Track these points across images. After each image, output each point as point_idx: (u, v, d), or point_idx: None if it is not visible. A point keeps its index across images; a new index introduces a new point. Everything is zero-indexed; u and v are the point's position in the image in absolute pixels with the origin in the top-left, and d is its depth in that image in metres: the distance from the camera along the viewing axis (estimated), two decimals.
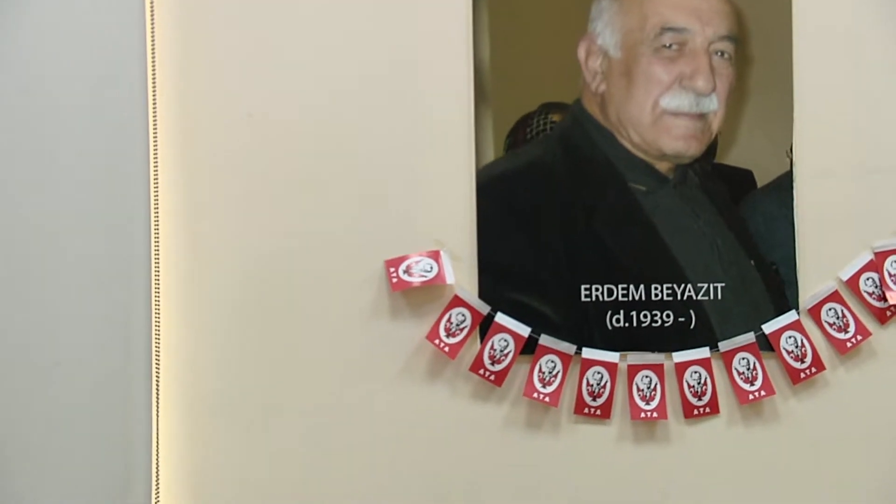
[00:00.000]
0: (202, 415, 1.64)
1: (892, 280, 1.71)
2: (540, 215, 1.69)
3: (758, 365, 1.70)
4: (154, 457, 1.60)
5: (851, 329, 1.71)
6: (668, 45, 1.67)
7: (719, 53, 1.69)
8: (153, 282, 1.60)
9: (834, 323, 1.71)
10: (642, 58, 1.67)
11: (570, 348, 1.68)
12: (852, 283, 1.71)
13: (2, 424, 1.56)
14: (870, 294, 1.71)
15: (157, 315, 1.61)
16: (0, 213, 1.56)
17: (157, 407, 1.61)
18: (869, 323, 1.70)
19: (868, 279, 1.71)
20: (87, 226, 1.57)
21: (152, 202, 1.60)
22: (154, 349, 1.60)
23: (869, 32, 1.72)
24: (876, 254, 1.71)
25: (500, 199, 1.69)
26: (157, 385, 1.61)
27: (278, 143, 1.66)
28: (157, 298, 1.61)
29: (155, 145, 1.61)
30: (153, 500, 1.59)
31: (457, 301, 1.67)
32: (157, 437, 1.61)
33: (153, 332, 1.60)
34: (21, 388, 1.56)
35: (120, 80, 1.59)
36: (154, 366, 1.60)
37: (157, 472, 1.60)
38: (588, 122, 1.70)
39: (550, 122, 1.71)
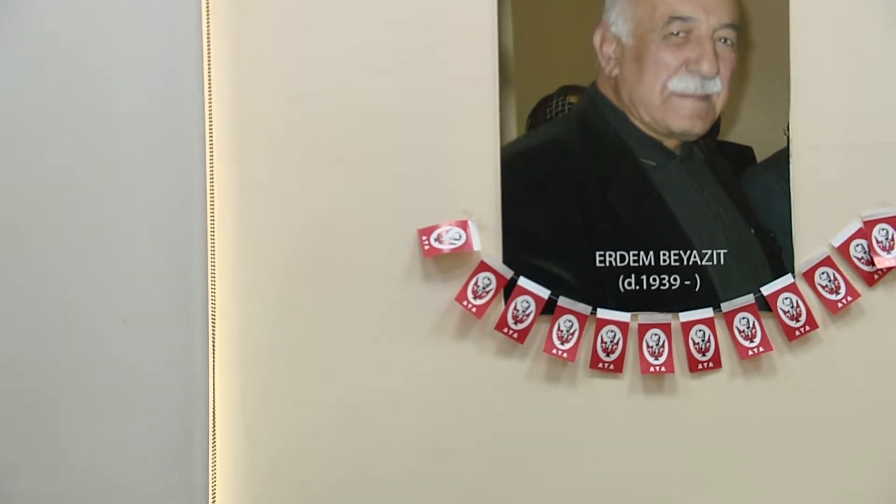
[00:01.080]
0: (254, 368, 1.80)
1: (879, 246, 1.85)
2: (558, 188, 1.84)
3: (756, 324, 1.85)
4: (211, 407, 1.76)
5: (842, 291, 1.85)
6: (675, 32, 1.82)
7: (722, 40, 1.83)
8: (209, 248, 1.76)
9: (826, 285, 1.85)
10: (652, 44, 1.82)
11: (585, 309, 1.83)
12: (843, 249, 1.85)
13: (74, 377, 1.73)
14: (859, 259, 1.86)
15: (212, 278, 1.77)
16: (75, 181, 1.73)
17: (214, 361, 1.77)
18: (858, 285, 1.84)
19: (857, 245, 1.86)
20: (152, 197, 1.74)
21: (208, 175, 1.76)
22: (210, 309, 1.76)
23: (860, 18, 1.85)
24: (865, 222, 1.85)
25: (522, 173, 1.84)
26: (214, 341, 1.77)
27: (322, 123, 1.81)
28: (212, 263, 1.77)
29: (210, 124, 1.77)
30: (210, 447, 1.76)
31: (483, 266, 1.83)
32: (214, 389, 1.77)
33: (210, 293, 1.76)
34: (93, 343, 1.73)
35: (177, 64, 1.75)
36: (210, 324, 1.76)
37: (213, 421, 1.77)
38: (602, 103, 1.85)
39: (568, 103, 1.86)
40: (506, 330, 1.82)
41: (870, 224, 1.85)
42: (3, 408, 1.73)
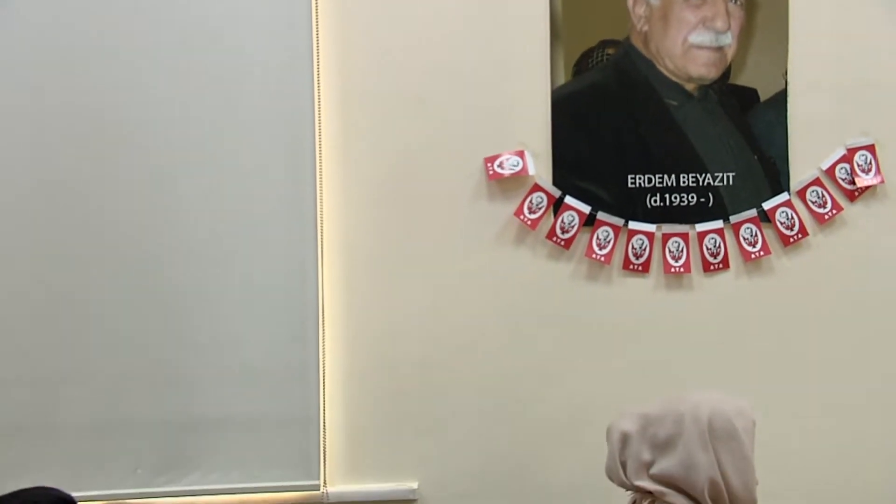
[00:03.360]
0: (354, 266, 2.24)
1: (860, 169, 2.25)
2: (598, 123, 2.25)
3: (758, 232, 2.26)
4: (320, 297, 2.21)
5: (829, 205, 2.26)
6: None
7: (733, 0, 2.23)
8: (318, 174, 2.20)
9: (816, 201, 2.26)
10: (675, 5, 2.22)
11: (619, 221, 2.26)
12: (830, 171, 2.26)
13: (214, 275, 2.18)
14: (843, 179, 2.26)
15: (321, 197, 2.21)
16: (216, 138, 2.19)
17: (322, 259, 2.22)
18: (842, 200, 2.25)
19: (842, 168, 2.26)
20: (271, 134, 2.19)
21: (317, 117, 2.19)
22: (319, 222, 2.21)
23: None
24: (848, 149, 2.26)
25: (568, 111, 2.26)
26: (322, 244, 2.21)
27: (408, 71, 2.23)
28: (320, 186, 2.21)
29: (318, 75, 2.20)
30: (320, 329, 2.20)
31: (536, 187, 2.25)
32: (322, 283, 2.22)
33: (318, 211, 2.20)
34: (226, 247, 2.19)
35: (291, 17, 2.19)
36: (319, 231, 2.20)
37: (322, 308, 2.21)
38: (634, 54, 2.25)
39: (606, 54, 2.26)
40: (554, 239, 2.25)
41: (852, 151, 2.26)
42: (158, 299, 2.19)
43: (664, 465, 1.72)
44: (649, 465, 1.74)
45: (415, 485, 2.23)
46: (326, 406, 2.21)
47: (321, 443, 2.20)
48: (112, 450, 2.16)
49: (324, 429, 2.20)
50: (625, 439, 1.76)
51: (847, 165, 2.25)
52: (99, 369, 2.16)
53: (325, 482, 2.21)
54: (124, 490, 2.15)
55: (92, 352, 2.17)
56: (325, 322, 2.23)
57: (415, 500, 2.23)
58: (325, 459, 2.20)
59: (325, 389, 2.21)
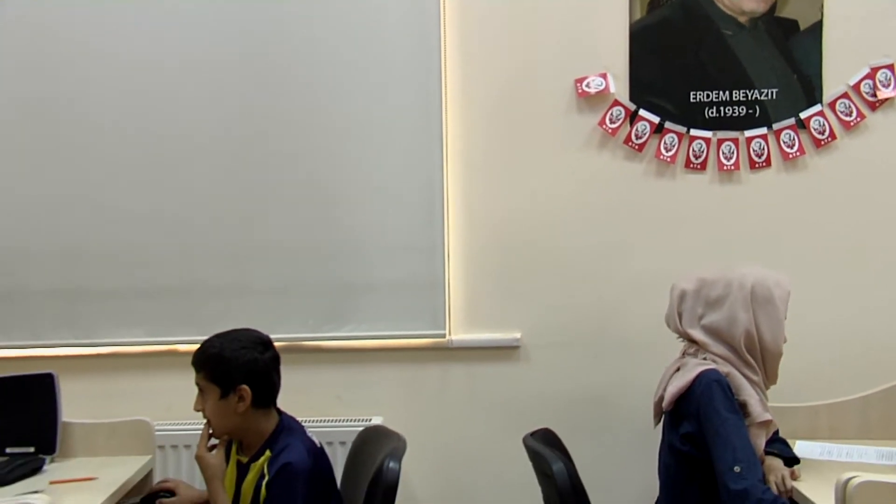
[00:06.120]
0: (472, 171, 2.84)
1: (881, 84, 2.72)
2: (668, 50, 2.77)
3: (796, 137, 2.76)
4: (445, 187, 2.81)
5: (854, 114, 2.74)
6: None
7: None
8: (443, 92, 2.80)
9: (843, 111, 2.74)
10: None
11: (682, 129, 2.78)
12: (856, 87, 2.74)
13: (364, 179, 2.81)
14: (867, 93, 2.74)
15: (445, 115, 2.80)
16: (363, 67, 2.80)
17: (447, 167, 2.81)
18: (865, 110, 2.73)
19: (866, 84, 2.74)
20: (405, 66, 2.80)
21: (442, 44, 2.78)
22: (444, 132, 2.80)
23: None
24: (871, 68, 2.73)
25: (644, 41, 2.78)
26: (446, 153, 2.81)
27: (514, 7, 2.79)
28: (445, 101, 2.80)
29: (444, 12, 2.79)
30: (445, 214, 2.81)
31: (616, 102, 2.79)
32: (447, 177, 2.81)
33: (444, 123, 2.79)
34: (375, 158, 2.81)
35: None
36: (444, 141, 2.80)
37: (447, 196, 2.81)
38: None
39: None
40: (630, 143, 2.80)
41: (875, 69, 2.73)
42: (324, 196, 2.82)
43: (712, 318, 2.20)
44: (700, 317, 2.22)
45: (518, 335, 2.85)
46: (450, 274, 2.84)
47: (446, 302, 2.84)
48: (291, 306, 2.83)
49: (448, 291, 2.84)
50: (683, 295, 2.26)
51: (870, 81, 2.73)
52: (281, 245, 2.82)
53: (449, 332, 2.85)
54: (300, 334, 2.82)
55: (276, 232, 2.82)
56: (449, 210, 2.84)
57: (518, 347, 2.85)
58: (449, 314, 2.85)
59: (450, 262, 2.84)
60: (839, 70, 2.74)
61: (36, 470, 2.41)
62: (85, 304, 2.83)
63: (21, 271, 2.83)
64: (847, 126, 2.75)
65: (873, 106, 2.74)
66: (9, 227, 2.84)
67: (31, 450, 2.48)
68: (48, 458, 2.48)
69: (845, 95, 2.74)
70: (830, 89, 2.75)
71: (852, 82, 2.74)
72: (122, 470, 2.43)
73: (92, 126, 2.83)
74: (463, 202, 2.85)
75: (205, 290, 2.84)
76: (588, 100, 2.80)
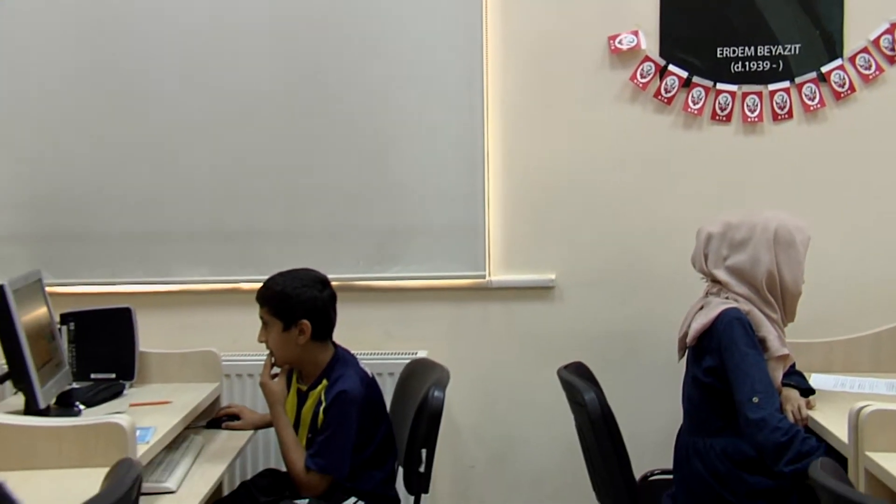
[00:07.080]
0: (511, 121, 3.03)
1: None
2: (695, 8, 2.93)
3: (817, 90, 2.91)
4: (486, 137, 3.00)
5: (873, 68, 2.89)
6: None
7: None
8: (484, 48, 2.98)
9: (863, 65, 2.89)
10: None
11: (709, 83, 2.95)
12: (875, 42, 2.88)
13: (411, 130, 3.02)
14: (886, 48, 2.88)
15: (486, 67, 2.98)
16: (413, 32, 2.99)
17: (487, 118, 3.01)
18: (884, 64, 2.88)
19: (885, 38, 2.88)
20: (447, 24, 2.98)
21: (484, 9, 2.97)
22: (485, 85, 2.99)
23: None
24: (891, 24, 2.87)
25: (674, 2, 2.93)
26: (487, 104, 3.00)
27: None
28: (485, 57, 2.98)
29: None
30: (485, 161, 3.00)
31: (647, 58, 2.96)
32: (487, 127, 3.01)
33: (484, 75, 2.98)
34: (421, 110, 3.01)
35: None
36: (484, 93, 2.99)
37: (487, 146, 3.01)
38: None
39: None
40: (659, 97, 2.97)
41: (894, 25, 2.87)
42: (375, 146, 3.03)
43: (736, 259, 2.33)
44: (725, 258, 2.35)
45: (553, 276, 3.06)
46: (490, 220, 3.05)
47: (486, 245, 3.05)
48: (343, 248, 3.07)
49: (488, 235, 3.05)
50: (709, 238, 2.40)
51: (890, 36, 2.87)
52: (337, 189, 3.05)
53: (489, 273, 3.07)
54: (351, 275, 3.05)
55: (328, 179, 3.05)
56: (489, 159, 3.04)
57: (552, 287, 3.07)
58: (489, 256, 3.07)
59: (490, 207, 3.05)
60: (860, 26, 2.88)
61: (117, 394, 2.66)
62: (158, 246, 3.09)
63: (102, 216, 3.10)
64: (866, 79, 2.89)
65: (892, 60, 2.88)
66: (92, 176, 3.10)
67: (113, 376, 2.75)
68: (128, 384, 2.75)
69: (865, 50, 2.89)
70: (851, 44, 2.90)
71: (872, 37, 2.88)
72: (193, 395, 2.66)
73: (163, 81, 3.07)
74: (502, 152, 3.04)
75: (263, 233, 3.08)
76: (620, 56, 2.97)
